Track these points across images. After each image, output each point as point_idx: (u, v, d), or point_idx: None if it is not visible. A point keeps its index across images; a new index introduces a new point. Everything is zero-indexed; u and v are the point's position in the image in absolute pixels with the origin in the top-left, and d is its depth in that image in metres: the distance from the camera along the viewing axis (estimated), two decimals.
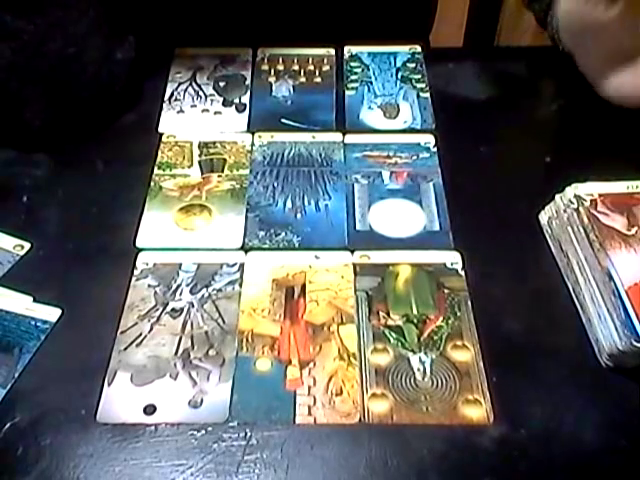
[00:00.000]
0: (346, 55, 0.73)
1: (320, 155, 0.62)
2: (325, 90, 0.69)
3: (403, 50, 0.74)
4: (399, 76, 0.71)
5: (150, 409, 0.44)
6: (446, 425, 0.44)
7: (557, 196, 0.53)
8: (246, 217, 0.57)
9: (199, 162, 0.62)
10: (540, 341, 0.48)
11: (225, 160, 0.62)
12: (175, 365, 0.47)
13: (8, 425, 0.44)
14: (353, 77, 0.71)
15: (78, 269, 0.53)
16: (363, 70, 0.72)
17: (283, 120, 0.66)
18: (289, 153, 0.62)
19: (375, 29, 0.77)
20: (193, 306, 0.50)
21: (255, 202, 0.58)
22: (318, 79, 0.71)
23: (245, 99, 0.68)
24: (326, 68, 0.72)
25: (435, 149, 0.62)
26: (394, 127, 0.65)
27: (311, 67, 0.72)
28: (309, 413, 0.44)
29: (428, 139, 0.63)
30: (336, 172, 0.61)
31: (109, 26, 0.63)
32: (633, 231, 0.49)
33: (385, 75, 0.71)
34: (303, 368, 0.47)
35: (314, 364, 0.47)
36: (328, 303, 0.50)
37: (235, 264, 0.53)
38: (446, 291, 0.51)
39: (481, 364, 0.47)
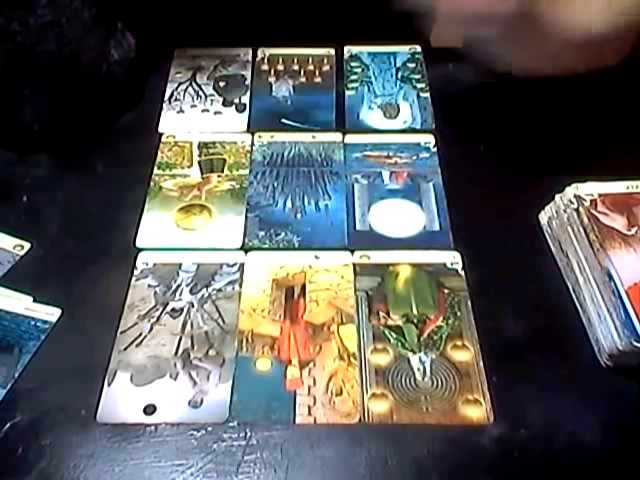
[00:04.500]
0: (346, 55, 0.73)
1: (320, 155, 0.62)
2: (325, 90, 0.69)
3: (403, 50, 0.74)
4: (399, 76, 0.71)
5: (150, 409, 0.44)
6: (446, 425, 0.44)
7: (557, 196, 0.53)
8: (246, 217, 0.57)
9: (199, 162, 0.62)
10: (540, 341, 0.48)
11: (225, 160, 0.62)
12: (175, 365, 0.47)
13: (8, 425, 0.44)
14: (353, 77, 0.71)
15: (78, 269, 0.53)
16: (363, 70, 0.72)
17: (283, 120, 0.66)
18: (289, 153, 0.63)
19: (375, 29, 0.77)
20: (193, 306, 0.50)
21: (255, 202, 0.58)
22: (318, 79, 0.71)
23: (245, 99, 0.68)
24: (326, 68, 0.72)
25: (435, 149, 0.62)
26: (394, 127, 0.65)
27: (311, 67, 0.72)
28: (309, 413, 0.44)
29: (428, 139, 0.63)
30: (336, 172, 0.61)
31: (106, 26, 0.63)
32: (633, 231, 0.49)
33: (385, 75, 0.71)
34: (303, 368, 0.47)
35: (314, 364, 0.47)
36: (328, 303, 0.50)
37: (235, 264, 0.53)
38: (446, 291, 0.51)
39: (481, 364, 0.47)
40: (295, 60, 0.73)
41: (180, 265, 0.53)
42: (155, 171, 0.61)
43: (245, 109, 0.67)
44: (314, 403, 0.45)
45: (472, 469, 0.42)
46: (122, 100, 0.66)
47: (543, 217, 0.55)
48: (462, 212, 0.57)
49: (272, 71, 0.71)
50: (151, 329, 0.49)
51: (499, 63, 0.54)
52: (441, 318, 0.49)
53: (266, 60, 0.73)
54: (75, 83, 0.61)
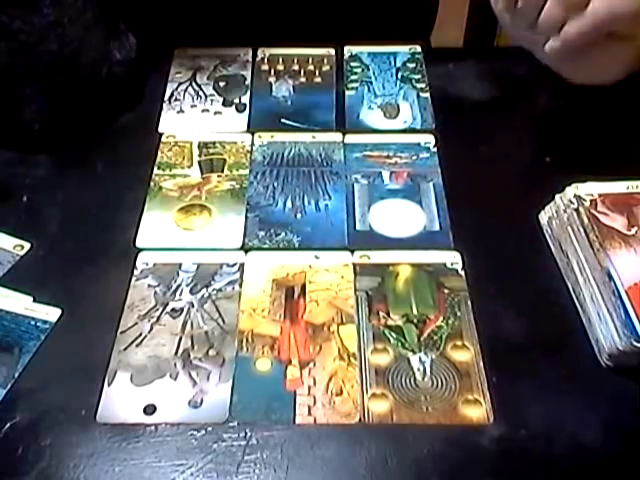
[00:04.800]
0: (346, 55, 0.73)
1: (320, 155, 0.62)
2: (325, 90, 0.69)
3: (403, 50, 0.74)
4: (399, 76, 0.71)
5: (150, 409, 0.44)
6: (446, 425, 0.44)
7: (557, 196, 0.53)
8: (246, 217, 0.57)
9: (199, 162, 0.62)
10: (540, 341, 0.48)
11: (225, 160, 0.62)
12: (175, 365, 0.47)
13: (8, 425, 0.44)
14: (353, 77, 0.71)
15: (78, 269, 0.53)
16: (363, 70, 0.72)
17: (283, 120, 0.66)
18: (289, 153, 0.63)
19: (375, 29, 0.77)
20: (193, 306, 0.50)
21: (255, 202, 0.58)
22: (318, 79, 0.71)
23: (245, 99, 0.68)
24: (326, 68, 0.72)
25: (435, 149, 0.62)
26: (394, 127, 0.65)
27: (311, 67, 0.72)
28: (309, 413, 0.44)
29: (428, 139, 0.63)
30: (336, 172, 0.61)
31: (108, 27, 0.63)
32: (633, 231, 0.49)
33: (385, 75, 0.71)
34: (303, 368, 0.47)
35: (314, 364, 0.47)
36: (328, 303, 0.50)
37: (235, 264, 0.53)
38: (446, 291, 0.51)
39: (481, 364, 0.47)
40: (295, 60, 0.73)
41: (180, 265, 0.53)
42: (155, 171, 0.61)
43: (245, 109, 0.67)
44: (314, 403, 0.45)
45: (472, 469, 0.42)
46: (122, 100, 0.66)
47: (543, 217, 0.55)
48: (462, 212, 0.57)
49: (272, 71, 0.71)
50: (151, 329, 0.49)
51: (568, 72, 0.54)
52: (441, 318, 0.49)
53: (266, 60, 0.73)
54: (75, 83, 0.61)
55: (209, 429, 0.44)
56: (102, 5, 0.62)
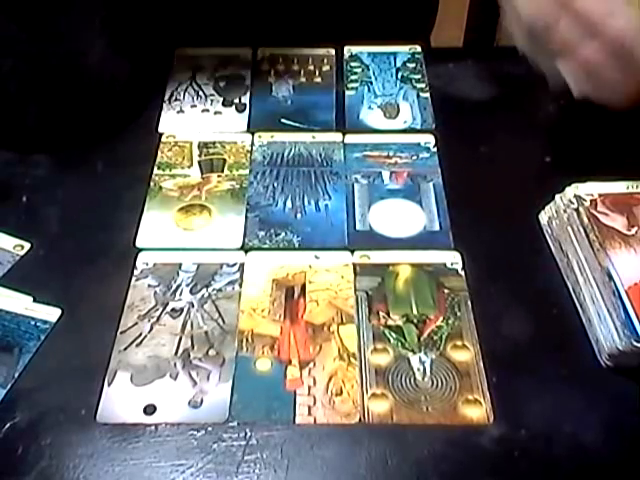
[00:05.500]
0: (346, 55, 0.73)
1: (320, 155, 0.62)
2: (325, 90, 0.69)
3: (403, 50, 0.74)
4: (399, 76, 0.71)
5: (150, 409, 0.44)
6: (446, 425, 0.44)
7: (557, 196, 0.53)
8: (246, 217, 0.57)
9: (199, 162, 0.62)
10: (540, 341, 0.48)
11: (225, 160, 0.62)
12: (175, 365, 0.47)
13: (8, 425, 0.44)
14: (353, 77, 0.71)
15: (78, 269, 0.53)
16: (363, 70, 0.72)
17: (283, 120, 0.66)
18: (289, 153, 0.63)
19: (375, 29, 0.77)
20: (193, 306, 0.50)
21: (255, 202, 0.58)
22: (318, 79, 0.71)
23: (245, 99, 0.68)
24: (326, 68, 0.72)
25: (435, 149, 0.62)
26: (394, 127, 0.65)
27: (311, 67, 0.72)
28: (309, 413, 0.44)
29: (428, 139, 0.63)
30: (336, 172, 0.61)
31: (112, 29, 0.63)
32: (633, 231, 0.49)
33: (385, 75, 0.71)
34: (303, 368, 0.47)
35: (314, 364, 0.47)
36: (328, 303, 0.50)
37: (235, 264, 0.53)
38: (446, 291, 0.51)
39: (481, 364, 0.47)
40: (295, 60, 0.73)
41: (180, 265, 0.53)
42: (155, 171, 0.61)
43: (245, 109, 0.67)
44: (314, 403, 0.45)
45: (472, 469, 0.42)
46: (122, 100, 0.66)
47: (543, 217, 0.55)
48: (462, 212, 0.57)
49: (272, 71, 0.71)
50: (151, 329, 0.49)
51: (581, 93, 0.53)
52: (441, 318, 0.49)
53: (266, 60, 0.73)
54: (79, 85, 0.61)
55: (209, 429, 0.44)
56: (107, 8, 0.62)
